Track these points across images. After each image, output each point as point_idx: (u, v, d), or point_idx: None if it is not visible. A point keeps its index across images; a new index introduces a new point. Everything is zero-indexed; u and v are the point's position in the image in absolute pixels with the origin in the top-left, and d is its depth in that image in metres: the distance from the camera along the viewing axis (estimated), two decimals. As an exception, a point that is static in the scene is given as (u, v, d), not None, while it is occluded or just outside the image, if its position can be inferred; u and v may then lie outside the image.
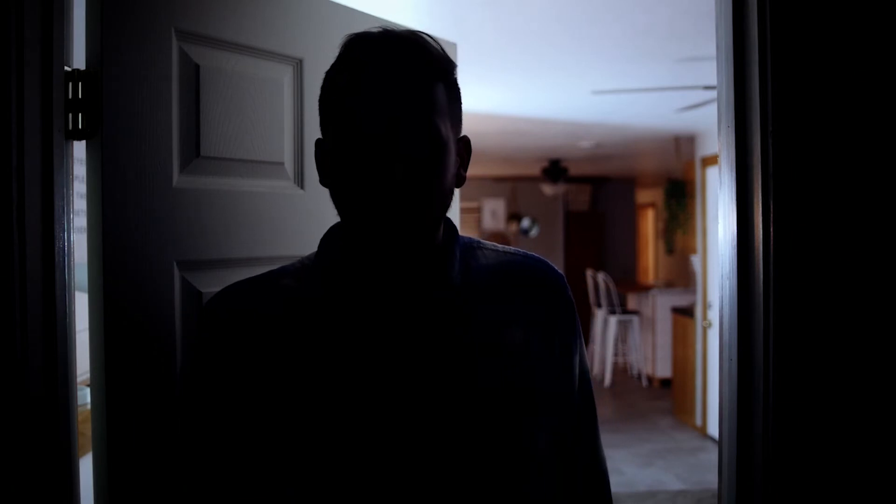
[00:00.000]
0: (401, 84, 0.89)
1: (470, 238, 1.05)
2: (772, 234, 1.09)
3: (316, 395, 0.91)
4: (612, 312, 8.36)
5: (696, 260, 6.56)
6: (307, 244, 0.99)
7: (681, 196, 7.44)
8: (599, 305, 8.70)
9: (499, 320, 0.97)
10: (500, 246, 1.06)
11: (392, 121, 0.88)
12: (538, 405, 0.96)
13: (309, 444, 0.90)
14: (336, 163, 0.92)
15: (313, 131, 1.16)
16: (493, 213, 11.09)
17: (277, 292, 0.97)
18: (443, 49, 0.94)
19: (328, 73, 0.95)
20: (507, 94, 4.96)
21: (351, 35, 0.93)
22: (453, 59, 0.96)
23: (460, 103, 0.98)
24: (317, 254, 1.01)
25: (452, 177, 0.95)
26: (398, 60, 0.90)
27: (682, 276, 8.59)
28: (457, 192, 1.00)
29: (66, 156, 1.11)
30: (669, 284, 8.87)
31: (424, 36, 0.94)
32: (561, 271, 1.07)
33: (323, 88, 0.96)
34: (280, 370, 0.92)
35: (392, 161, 0.87)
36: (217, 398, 0.94)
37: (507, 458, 0.93)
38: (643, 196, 10.84)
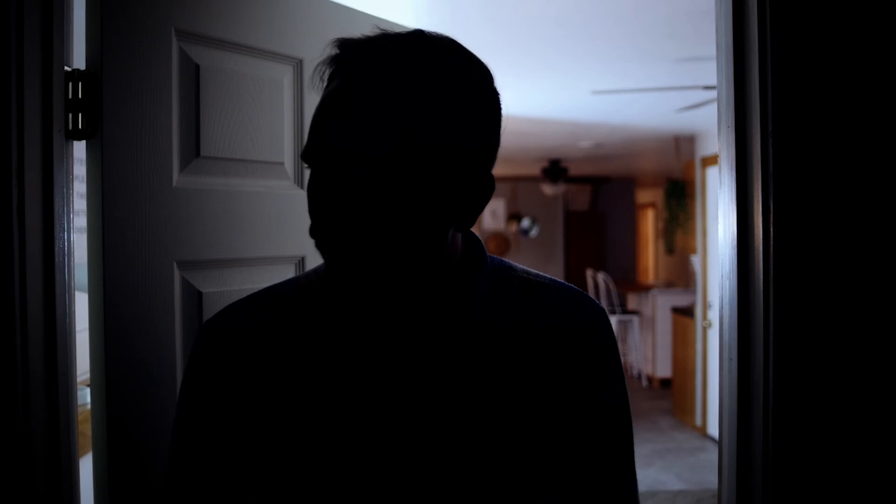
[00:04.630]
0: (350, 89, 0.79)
1: (500, 260, 0.94)
2: (772, 234, 1.09)
3: (307, 426, 0.84)
4: (612, 312, 8.35)
5: (696, 260, 6.56)
6: (307, 244, 0.98)
7: (681, 196, 7.44)
8: (599, 305, 8.70)
9: (522, 368, 0.87)
10: (532, 271, 0.95)
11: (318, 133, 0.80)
12: (559, 471, 0.89)
13: (300, 476, 0.84)
14: None
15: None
16: (493, 213, 11.09)
17: (276, 313, 0.90)
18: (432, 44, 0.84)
19: None
20: (507, 94, 4.91)
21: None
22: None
23: (468, 109, 0.85)
24: (323, 271, 0.93)
25: (435, 202, 0.80)
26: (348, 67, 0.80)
27: (682, 276, 8.59)
28: None
29: (66, 156, 1.11)
30: (669, 284, 8.87)
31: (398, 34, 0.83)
32: (600, 304, 0.97)
33: None
34: (271, 398, 0.86)
35: (318, 182, 0.80)
36: (202, 426, 0.88)
37: None
38: (643, 196, 10.84)
